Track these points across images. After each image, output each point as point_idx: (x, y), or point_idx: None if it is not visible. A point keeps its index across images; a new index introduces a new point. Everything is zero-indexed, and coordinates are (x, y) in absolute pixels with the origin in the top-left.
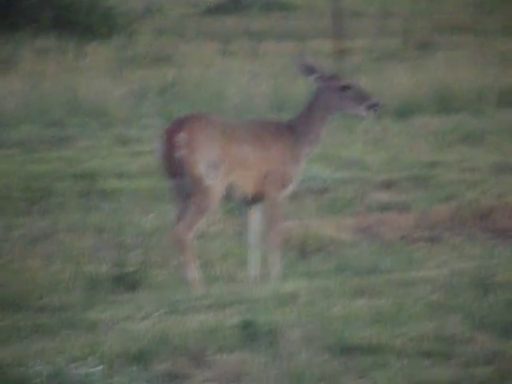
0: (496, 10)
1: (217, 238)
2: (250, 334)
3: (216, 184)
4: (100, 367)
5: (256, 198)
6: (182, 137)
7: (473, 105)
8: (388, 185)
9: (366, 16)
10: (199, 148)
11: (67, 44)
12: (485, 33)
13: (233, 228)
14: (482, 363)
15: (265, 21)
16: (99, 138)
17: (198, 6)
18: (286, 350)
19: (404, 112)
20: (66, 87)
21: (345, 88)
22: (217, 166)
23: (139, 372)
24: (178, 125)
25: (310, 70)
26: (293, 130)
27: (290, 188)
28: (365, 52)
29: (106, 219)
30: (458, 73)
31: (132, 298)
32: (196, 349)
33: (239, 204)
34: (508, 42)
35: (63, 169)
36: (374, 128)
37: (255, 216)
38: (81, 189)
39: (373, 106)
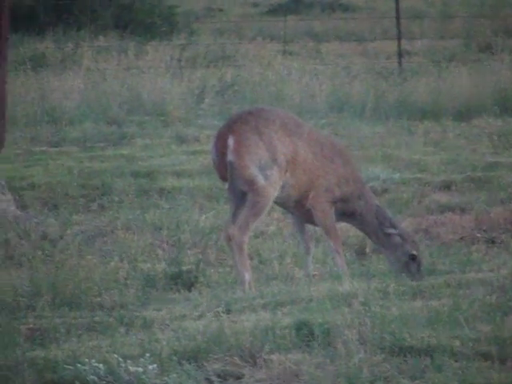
0: None
1: (275, 238)
2: (305, 334)
3: (270, 185)
4: (154, 365)
5: (297, 203)
6: (230, 141)
7: None
8: (448, 186)
9: (427, 17)
10: (248, 152)
11: (128, 43)
12: None
13: (290, 227)
14: None
15: (326, 21)
16: (158, 136)
17: (258, 6)
18: (341, 351)
19: (465, 113)
20: (126, 86)
21: (413, 256)
22: (270, 166)
23: (193, 371)
24: (227, 128)
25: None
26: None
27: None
28: (426, 53)
29: (164, 217)
30: None
31: (188, 297)
32: (251, 348)
33: (280, 205)
34: None
35: (122, 167)
36: (434, 129)
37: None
38: (139, 187)
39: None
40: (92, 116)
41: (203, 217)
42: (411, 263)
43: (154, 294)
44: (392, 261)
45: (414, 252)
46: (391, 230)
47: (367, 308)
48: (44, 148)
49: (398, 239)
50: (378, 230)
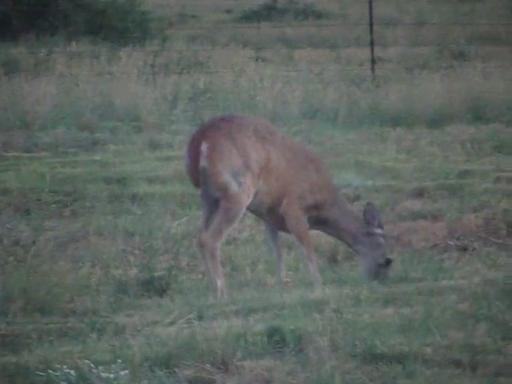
0: None
1: (247, 244)
2: (277, 340)
3: (243, 191)
4: (126, 371)
5: (270, 210)
6: (203, 147)
7: (506, 114)
8: (420, 193)
9: (400, 24)
10: (221, 158)
11: (101, 48)
12: None
13: (263, 234)
14: (510, 373)
15: (299, 28)
16: (131, 142)
17: (231, 12)
18: (313, 358)
19: (437, 121)
20: (98, 91)
21: (388, 260)
22: (243, 173)
23: (165, 377)
24: (200, 134)
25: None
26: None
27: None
28: (399, 60)
29: (136, 223)
30: (492, 82)
31: (160, 303)
32: (223, 355)
33: (253, 212)
34: None
35: (94, 172)
36: (406, 136)
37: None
38: (111, 193)
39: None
40: (64, 121)
41: (175, 223)
42: (384, 267)
43: (125, 300)
44: (366, 261)
45: (391, 257)
46: (378, 231)
47: (339, 315)
48: (16, 153)
49: (381, 240)
50: (356, 233)
